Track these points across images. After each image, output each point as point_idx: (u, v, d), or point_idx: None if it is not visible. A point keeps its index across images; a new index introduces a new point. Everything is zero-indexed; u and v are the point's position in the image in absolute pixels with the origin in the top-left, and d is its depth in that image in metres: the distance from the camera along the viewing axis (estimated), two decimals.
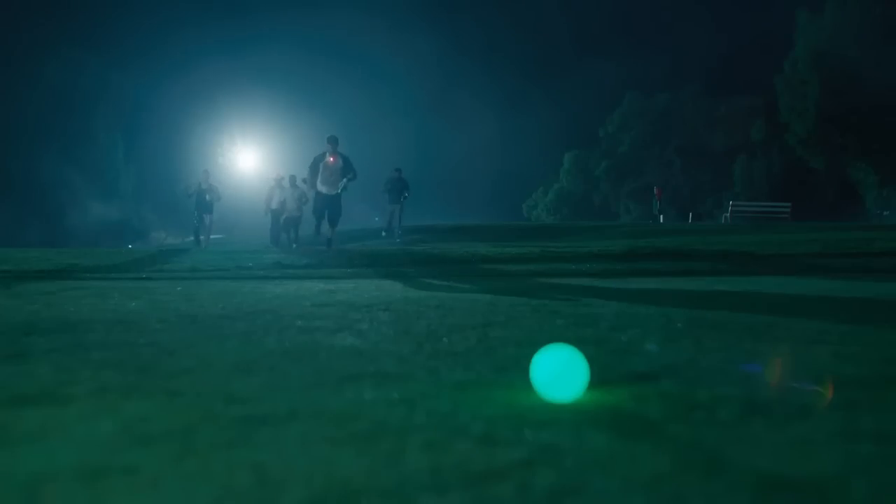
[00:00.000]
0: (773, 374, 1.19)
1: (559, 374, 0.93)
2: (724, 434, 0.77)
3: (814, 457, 0.67)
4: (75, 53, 28.28)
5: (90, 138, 29.33)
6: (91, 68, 28.53)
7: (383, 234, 15.41)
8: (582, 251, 8.16)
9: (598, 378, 1.00)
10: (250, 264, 6.88)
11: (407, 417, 0.85)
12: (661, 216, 32.02)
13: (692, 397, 0.97)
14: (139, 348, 1.48)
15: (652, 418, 0.85)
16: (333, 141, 10.31)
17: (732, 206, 30.01)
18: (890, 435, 0.77)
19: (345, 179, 10.14)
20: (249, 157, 27.85)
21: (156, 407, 0.92)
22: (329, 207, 10.24)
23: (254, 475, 0.61)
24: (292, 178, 15.50)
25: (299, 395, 0.99)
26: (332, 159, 10.12)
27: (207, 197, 15.23)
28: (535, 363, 0.96)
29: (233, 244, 17.20)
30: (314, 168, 10.17)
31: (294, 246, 13.91)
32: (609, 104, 53.25)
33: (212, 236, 20.49)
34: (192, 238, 16.04)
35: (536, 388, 0.96)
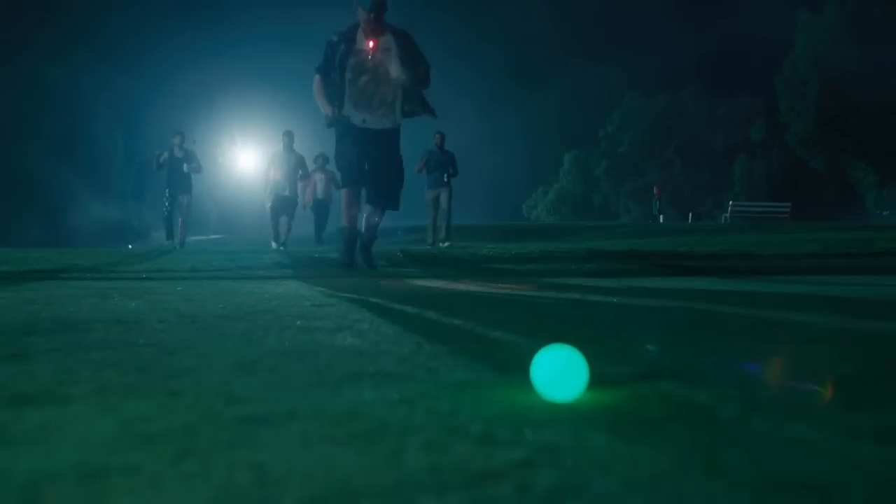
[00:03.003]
0: (773, 374, 1.19)
1: (559, 374, 0.93)
2: (724, 434, 0.77)
3: (814, 457, 0.67)
4: (76, 54, 28.29)
5: (90, 138, 29.36)
6: (91, 69, 28.54)
7: (430, 243, 10.16)
8: (582, 251, 8.16)
9: (598, 378, 1.00)
10: (250, 264, 6.88)
11: (407, 417, 0.85)
12: (661, 216, 32.05)
13: (692, 397, 0.97)
14: (139, 348, 1.48)
15: (652, 418, 0.85)
16: (378, 4, 4.57)
17: (732, 206, 30.03)
18: (890, 435, 0.77)
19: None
20: (249, 157, 27.80)
21: (156, 407, 0.92)
22: (374, 161, 4.71)
23: (254, 475, 0.61)
24: (287, 137, 10.68)
25: (299, 395, 0.99)
26: (371, 45, 4.61)
27: (185, 167, 10.55)
28: (535, 363, 0.96)
29: (234, 244, 16.10)
30: (337, 60, 4.64)
31: (275, 245, 10.39)
32: (609, 104, 53.29)
33: (212, 236, 18.16)
34: (165, 235, 11.22)
35: (536, 388, 0.96)
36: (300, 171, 11.16)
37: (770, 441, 0.73)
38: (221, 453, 0.69)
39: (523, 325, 1.94)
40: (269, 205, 11.23)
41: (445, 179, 10.06)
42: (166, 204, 11.05)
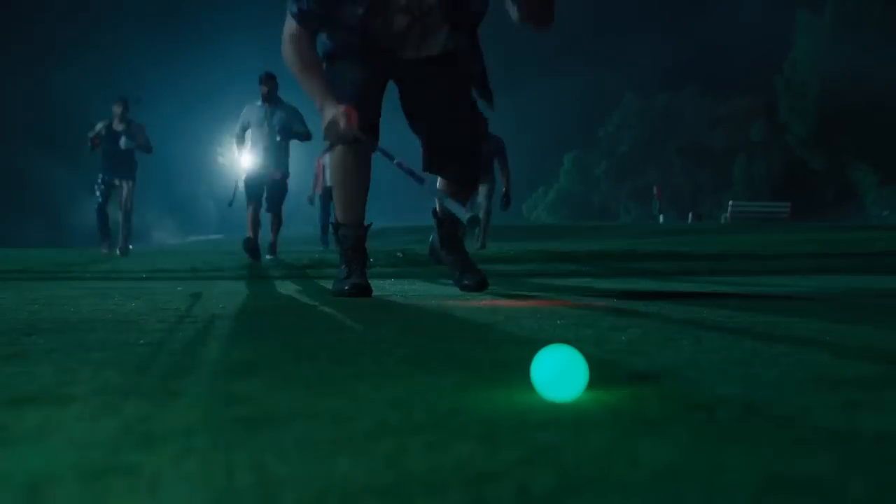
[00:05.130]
0: (772, 374, 1.19)
1: (559, 373, 0.93)
2: (724, 434, 0.77)
3: (814, 457, 0.67)
4: (76, 54, 28.31)
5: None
6: (91, 68, 28.56)
7: (478, 246, 8.22)
8: (582, 251, 8.16)
9: (598, 378, 1.00)
10: (250, 264, 6.88)
11: (407, 417, 0.85)
12: (661, 216, 32.09)
13: (692, 397, 0.97)
14: (139, 348, 1.48)
15: (652, 418, 0.85)
16: None
17: (732, 206, 30.09)
18: (889, 435, 0.77)
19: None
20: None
21: (156, 407, 0.92)
22: (426, 104, 2.95)
23: (254, 475, 0.61)
24: (267, 84, 7.10)
25: (299, 395, 0.99)
26: None
27: (122, 143, 7.93)
28: (535, 363, 0.96)
29: (234, 244, 15.80)
30: None
31: (253, 258, 6.89)
32: (609, 104, 53.29)
33: (212, 236, 16.58)
34: (99, 239, 8.67)
35: (536, 388, 0.96)
36: (295, 130, 7.24)
37: (770, 441, 0.73)
38: (221, 453, 0.69)
39: (523, 324, 1.94)
40: (241, 188, 7.27)
41: (489, 173, 8.37)
42: (98, 194, 8.27)
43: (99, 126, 8.18)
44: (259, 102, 7.38)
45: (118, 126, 8.14)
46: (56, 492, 0.58)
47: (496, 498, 0.55)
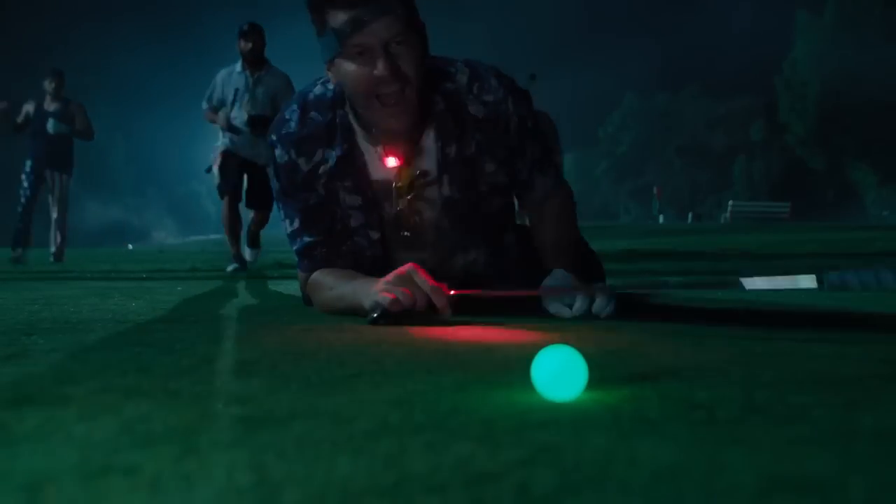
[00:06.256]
0: (772, 374, 1.19)
1: (559, 374, 0.93)
2: (724, 434, 0.77)
3: (814, 457, 0.67)
4: (76, 53, 28.30)
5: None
6: (89, 68, 28.55)
7: None
8: None
9: (598, 378, 1.00)
10: (250, 264, 6.87)
11: (407, 417, 0.85)
12: (661, 216, 32.09)
13: (692, 397, 0.97)
14: (139, 348, 1.48)
15: (652, 418, 0.85)
16: None
17: (732, 206, 30.10)
18: (889, 434, 0.77)
19: None
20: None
21: (156, 407, 0.92)
22: None
23: (254, 475, 0.61)
24: (250, 39, 5.47)
25: (299, 395, 0.99)
26: (396, 162, 1.94)
27: (50, 126, 6.54)
28: (535, 363, 0.96)
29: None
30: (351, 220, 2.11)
31: (232, 266, 5.91)
32: (609, 104, 53.26)
33: (211, 236, 15.70)
34: (12, 240, 7.24)
35: (536, 388, 0.96)
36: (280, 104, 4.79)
37: (770, 441, 0.74)
38: (221, 453, 0.69)
39: (523, 324, 1.94)
40: (215, 169, 5.64)
41: None
42: (25, 186, 6.83)
43: (27, 106, 6.81)
44: (239, 67, 5.55)
45: (51, 105, 6.70)
46: (56, 492, 0.58)
47: (496, 498, 0.55)
